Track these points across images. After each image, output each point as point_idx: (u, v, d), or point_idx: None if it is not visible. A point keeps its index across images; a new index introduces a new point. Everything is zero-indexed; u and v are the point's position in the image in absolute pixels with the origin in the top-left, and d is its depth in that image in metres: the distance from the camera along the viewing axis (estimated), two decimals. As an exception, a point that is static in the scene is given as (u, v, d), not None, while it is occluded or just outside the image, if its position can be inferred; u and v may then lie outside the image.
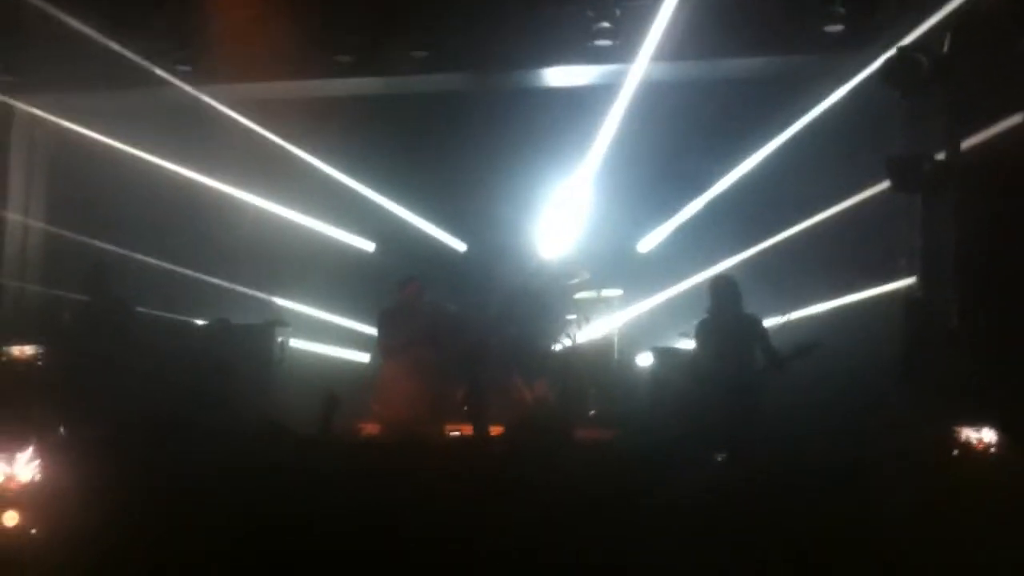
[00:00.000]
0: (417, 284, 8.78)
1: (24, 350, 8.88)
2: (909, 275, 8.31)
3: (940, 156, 7.40)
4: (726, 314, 7.74)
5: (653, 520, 4.81)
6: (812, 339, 7.50)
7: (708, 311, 7.84)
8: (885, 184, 8.02)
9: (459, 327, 9.46)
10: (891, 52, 7.71)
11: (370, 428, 8.50)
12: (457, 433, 8.03)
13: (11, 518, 6.13)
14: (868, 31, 8.78)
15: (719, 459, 6.72)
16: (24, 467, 6.69)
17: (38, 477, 6.73)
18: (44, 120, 10.92)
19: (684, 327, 8.41)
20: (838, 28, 9.02)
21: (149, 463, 5.41)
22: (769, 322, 7.86)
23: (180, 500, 4.93)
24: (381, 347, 8.79)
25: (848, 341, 8.05)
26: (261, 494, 4.92)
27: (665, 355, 8.76)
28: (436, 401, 8.48)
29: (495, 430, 8.13)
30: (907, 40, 8.04)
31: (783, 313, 8.04)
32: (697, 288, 8.79)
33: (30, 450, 6.73)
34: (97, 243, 10.29)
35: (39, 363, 8.65)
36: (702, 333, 7.83)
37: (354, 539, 4.57)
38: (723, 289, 7.81)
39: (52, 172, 11.46)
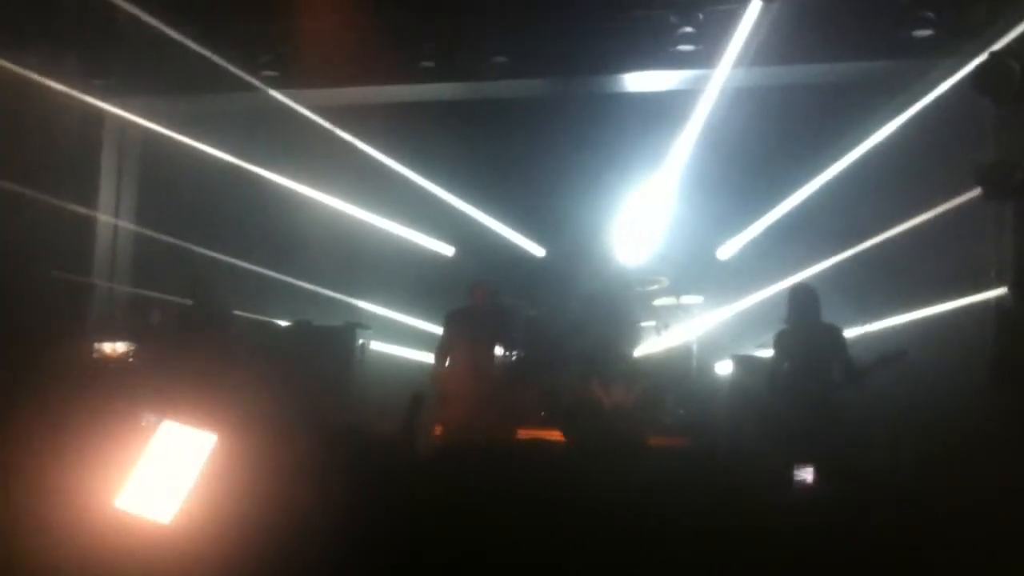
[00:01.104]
0: (484, 287, 8.65)
1: (116, 347, 9.14)
2: (999, 286, 8.12)
3: (1033, 165, 7.25)
4: (804, 324, 7.56)
5: (725, 535, 4.76)
6: (896, 348, 7.34)
7: (786, 321, 7.66)
8: (974, 192, 7.87)
9: (538, 331, 9.52)
10: (983, 58, 7.56)
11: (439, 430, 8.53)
12: (533, 438, 8.04)
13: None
14: (959, 36, 8.58)
15: (798, 475, 6.65)
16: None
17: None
18: (134, 123, 11.16)
19: (762, 338, 8.33)
20: (927, 33, 8.81)
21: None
22: (849, 332, 7.72)
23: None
24: (441, 347, 8.67)
25: (934, 353, 7.88)
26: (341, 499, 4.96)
27: (745, 363, 8.66)
28: (503, 405, 8.39)
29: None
30: (999, 45, 7.86)
31: (863, 323, 7.90)
32: (778, 296, 8.65)
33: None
34: (183, 244, 10.51)
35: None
36: (780, 343, 7.65)
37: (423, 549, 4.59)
38: (802, 298, 7.63)
39: (141, 175, 11.74)
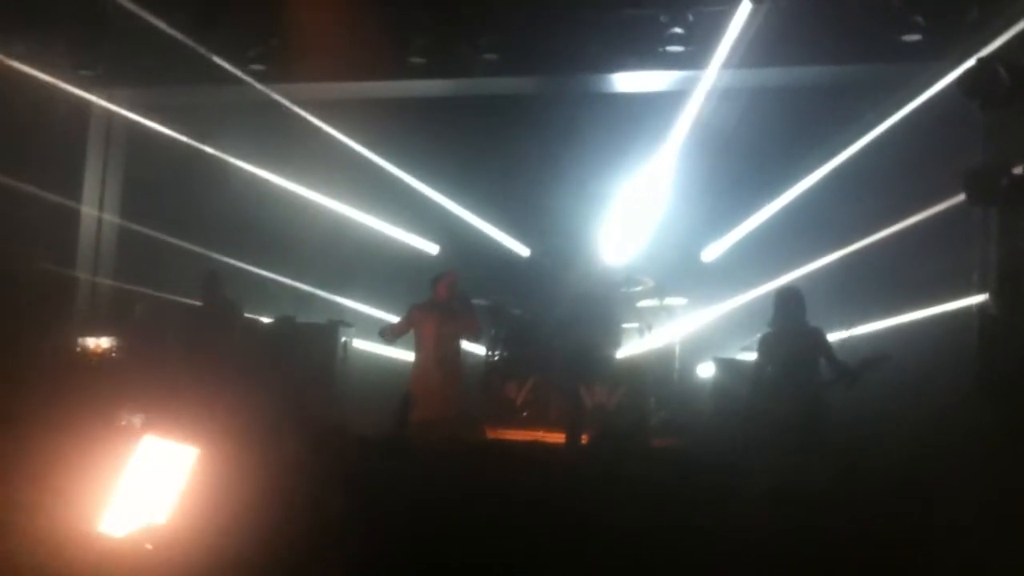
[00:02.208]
0: (448, 279, 8.26)
1: (99, 342, 9.08)
2: (981, 291, 8.11)
3: (1018, 170, 7.24)
4: (789, 326, 7.47)
5: (708, 534, 4.75)
6: (880, 352, 7.30)
7: (771, 323, 7.58)
8: (958, 198, 7.86)
9: (522, 330, 9.48)
10: (970, 63, 7.56)
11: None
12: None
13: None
14: (947, 41, 8.58)
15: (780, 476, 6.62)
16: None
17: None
18: (120, 115, 11.14)
19: (746, 341, 8.30)
20: (916, 37, 8.81)
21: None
22: (832, 336, 7.69)
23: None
24: (397, 323, 8.39)
25: (919, 356, 7.87)
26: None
27: (727, 366, 8.67)
28: (468, 402, 8.36)
29: (556, 436, 8.15)
30: (987, 51, 7.86)
31: (846, 327, 7.84)
32: (761, 299, 8.64)
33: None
34: (167, 238, 10.47)
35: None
36: (765, 345, 7.56)
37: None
38: (787, 301, 7.54)
39: (127, 166, 11.68)
